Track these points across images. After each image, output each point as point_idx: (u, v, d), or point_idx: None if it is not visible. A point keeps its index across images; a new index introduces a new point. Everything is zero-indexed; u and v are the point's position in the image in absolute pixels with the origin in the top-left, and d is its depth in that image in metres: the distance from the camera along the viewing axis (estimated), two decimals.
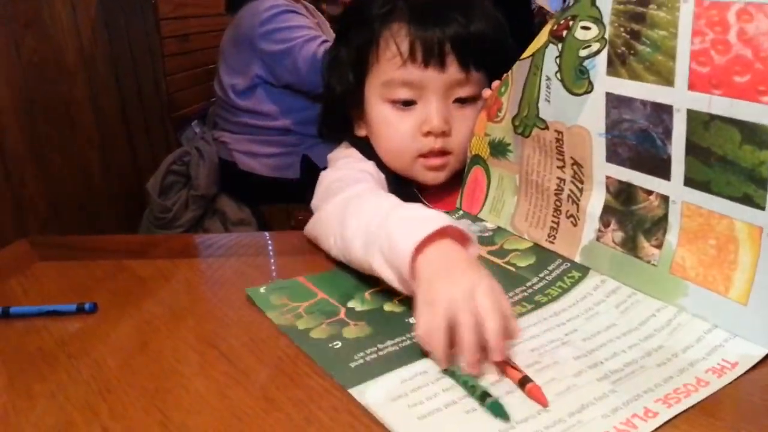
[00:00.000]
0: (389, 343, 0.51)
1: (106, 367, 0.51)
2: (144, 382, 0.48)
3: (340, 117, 0.80)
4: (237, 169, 1.84)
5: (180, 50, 2.00)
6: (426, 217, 0.53)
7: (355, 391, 0.45)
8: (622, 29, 0.51)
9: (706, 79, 0.46)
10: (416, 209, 0.57)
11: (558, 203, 0.62)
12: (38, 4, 1.58)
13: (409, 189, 0.76)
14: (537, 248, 0.63)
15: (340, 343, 0.51)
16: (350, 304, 0.57)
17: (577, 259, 0.59)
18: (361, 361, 0.49)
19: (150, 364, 0.51)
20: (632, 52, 0.51)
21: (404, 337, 0.51)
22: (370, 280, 0.59)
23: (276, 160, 1.84)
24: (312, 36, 1.69)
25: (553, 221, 0.63)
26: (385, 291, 0.58)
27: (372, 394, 0.44)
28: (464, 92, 0.72)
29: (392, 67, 0.71)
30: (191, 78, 2.07)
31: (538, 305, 0.55)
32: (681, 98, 0.48)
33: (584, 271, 0.58)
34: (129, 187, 1.93)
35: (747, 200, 0.45)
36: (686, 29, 0.46)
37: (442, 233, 0.51)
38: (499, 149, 0.69)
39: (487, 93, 0.71)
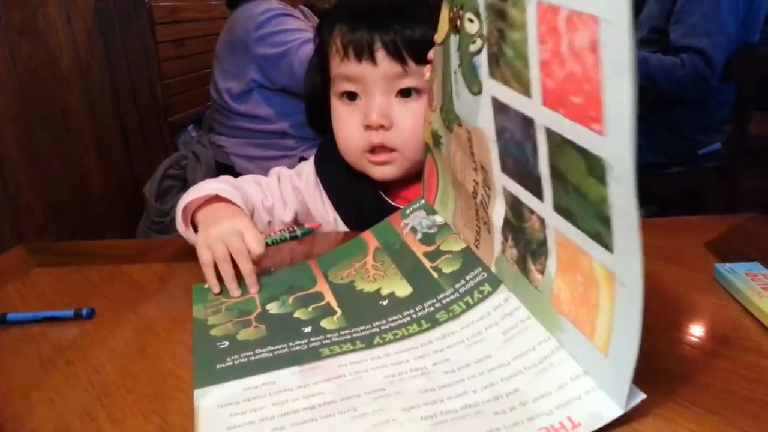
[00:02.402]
0: (268, 348, 0.51)
1: (104, 372, 0.51)
2: (143, 387, 0.48)
3: (317, 117, 0.81)
4: (234, 173, 1.83)
5: (175, 55, 2.00)
6: (203, 188, 0.71)
7: (198, 393, 0.46)
8: (493, 26, 0.45)
9: (555, 94, 0.39)
10: (208, 183, 0.73)
11: (477, 207, 0.57)
12: (33, 11, 1.58)
13: (368, 186, 0.80)
14: (467, 252, 0.59)
15: (227, 343, 0.53)
16: (269, 306, 0.59)
17: (493, 269, 0.55)
18: (230, 363, 0.50)
19: (148, 369, 0.51)
20: (502, 53, 0.44)
21: (284, 345, 0.51)
22: (308, 283, 0.62)
23: (273, 163, 1.81)
24: (307, 39, 1.69)
25: (476, 225, 0.57)
26: (311, 295, 0.60)
27: (210, 397, 0.45)
28: (406, 83, 0.72)
29: (336, 62, 0.75)
30: (187, 82, 2.06)
31: (435, 324, 0.52)
32: (538, 113, 0.41)
33: (496, 285, 0.53)
34: (126, 192, 1.92)
35: (599, 239, 0.38)
36: (533, 34, 0.39)
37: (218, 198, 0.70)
38: (437, 140, 0.65)
39: (426, 75, 0.67)
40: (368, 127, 0.73)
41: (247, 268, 0.63)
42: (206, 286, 0.64)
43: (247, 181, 0.82)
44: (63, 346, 0.55)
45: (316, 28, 0.82)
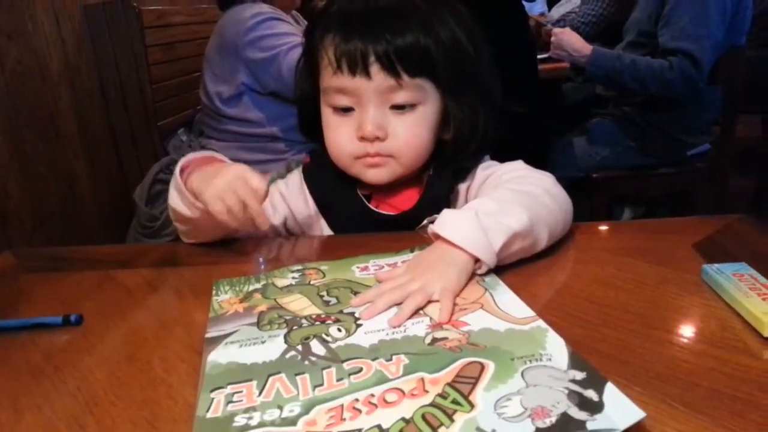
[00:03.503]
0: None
1: (93, 379, 0.50)
2: (131, 393, 0.48)
3: (308, 123, 0.81)
4: None
5: (165, 58, 1.99)
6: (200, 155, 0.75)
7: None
8: None
9: None
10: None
11: None
12: (21, 15, 1.57)
13: (353, 193, 0.80)
14: None
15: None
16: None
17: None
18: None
19: (137, 375, 0.50)
20: None
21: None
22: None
23: (264, 167, 1.83)
24: (296, 43, 1.68)
25: None
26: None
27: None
28: (399, 99, 0.72)
29: (328, 75, 0.74)
30: (177, 86, 2.05)
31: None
32: None
33: None
34: (116, 197, 1.91)
35: None
36: None
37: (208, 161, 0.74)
38: None
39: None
40: (363, 138, 0.73)
41: (256, 208, 0.66)
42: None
43: None
44: (51, 353, 0.55)
45: (304, 33, 0.81)
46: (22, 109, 1.55)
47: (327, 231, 0.82)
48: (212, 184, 0.67)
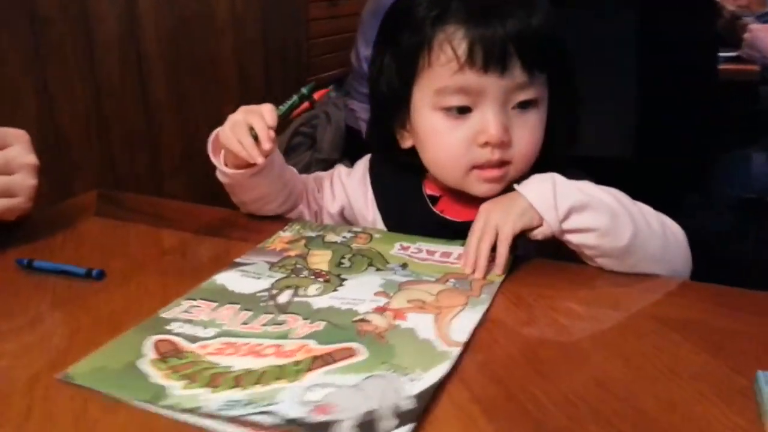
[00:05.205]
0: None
1: (79, 336, 0.53)
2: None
3: (386, 127, 0.75)
4: (360, 138, 1.85)
5: (328, 15, 2.04)
6: None
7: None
8: None
9: None
10: None
11: None
12: None
13: (419, 194, 0.76)
14: None
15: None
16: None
17: None
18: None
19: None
20: None
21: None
22: None
23: None
24: None
25: None
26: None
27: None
28: (525, 96, 0.67)
29: (447, 73, 0.66)
30: (335, 43, 2.10)
31: None
32: None
33: None
34: None
35: None
36: None
37: None
38: None
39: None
40: (486, 144, 0.66)
41: (261, 127, 0.67)
42: None
43: (308, 176, 0.85)
44: (62, 301, 0.59)
45: (394, 28, 0.72)
46: (186, 52, 1.69)
47: (380, 227, 0.78)
48: (227, 121, 0.71)
